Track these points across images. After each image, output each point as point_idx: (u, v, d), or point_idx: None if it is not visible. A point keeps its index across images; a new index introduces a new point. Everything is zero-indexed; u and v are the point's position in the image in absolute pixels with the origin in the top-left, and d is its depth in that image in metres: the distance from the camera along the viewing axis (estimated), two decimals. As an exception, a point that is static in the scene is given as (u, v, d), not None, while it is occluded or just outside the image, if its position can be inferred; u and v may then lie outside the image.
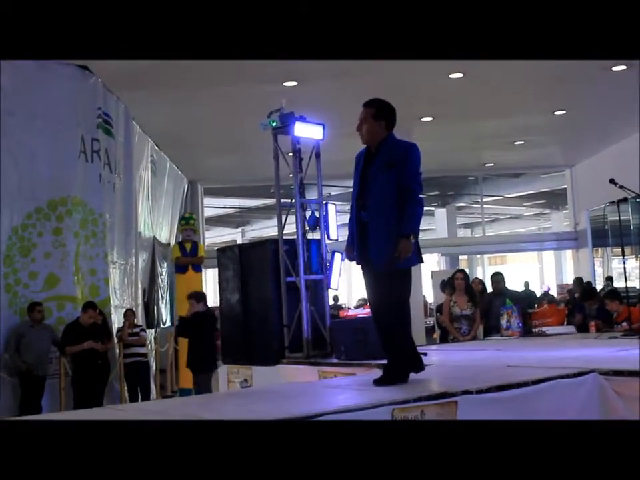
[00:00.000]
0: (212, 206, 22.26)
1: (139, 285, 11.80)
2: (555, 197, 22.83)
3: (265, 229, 27.62)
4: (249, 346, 7.25)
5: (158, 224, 14.33)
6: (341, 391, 4.62)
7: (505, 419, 3.96)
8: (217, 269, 7.93)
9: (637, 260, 17.07)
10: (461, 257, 23.45)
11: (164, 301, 14.57)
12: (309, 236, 7.12)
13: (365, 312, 6.60)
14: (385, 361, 5.60)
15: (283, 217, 7.24)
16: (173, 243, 15.30)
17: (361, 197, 4.64)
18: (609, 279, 16.59)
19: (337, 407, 3.72)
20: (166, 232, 15.16)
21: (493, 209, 25.32)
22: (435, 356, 6.39)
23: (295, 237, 7.03)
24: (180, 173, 16.19)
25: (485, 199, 21.03)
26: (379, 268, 4.51)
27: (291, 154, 7.20)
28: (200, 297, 8.87)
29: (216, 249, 8.40)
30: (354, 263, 4.84)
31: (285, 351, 6.95)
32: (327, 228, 7.03)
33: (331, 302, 8.24)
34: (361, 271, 4.78)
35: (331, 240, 7.12)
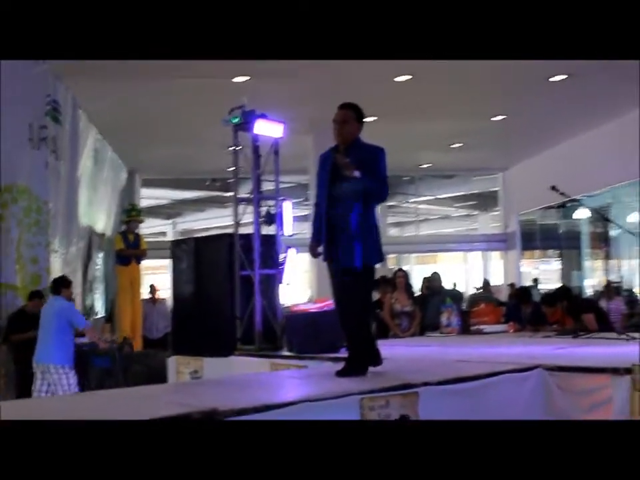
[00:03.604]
0: (146, 197, 22.13)
1: (79, 275, 11.76)
2: (484, 199, 23.43)
3: (197, 222, 27.58)
4: (200, 337, 7.39)
5: (95, 213, 14.24)
6: (306, 382, 4.84)
7: (464, 419, 4.21)
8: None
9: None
10: (390, 255, 23.87)
11: (98, 292, 14.49)
12: (264, 231, 7.31)
13: (316, 306, 6.81)
14: (336, 354, 5.86)
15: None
16: (109, 233, 15.22)
17: (330, 197, 4.86)
18: (535, 281, 17.24)
19: (309, 395, 3.93)
20: (102, 221, 15.06)
21: (423, 209, 25.85)
22: (383, 351, 6.64)
23: (248, 231, 7.23)
24: (120, 162, 16.12)
25: (417, 199, 21.53)
26: (346, 262, 4.74)
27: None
28: None
29: (170, 240, 8.50)
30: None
31: (236, 343, 7.13)
32: (281, 224, 7.23)
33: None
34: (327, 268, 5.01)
35: (286, 236, 7.32)
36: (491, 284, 17.22)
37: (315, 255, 5.07)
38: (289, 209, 7.25)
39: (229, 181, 19.44)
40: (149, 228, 29.18)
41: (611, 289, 11.46)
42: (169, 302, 13.07)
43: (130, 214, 12.94)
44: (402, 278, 9.36)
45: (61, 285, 8.45)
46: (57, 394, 7.69)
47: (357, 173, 4.66)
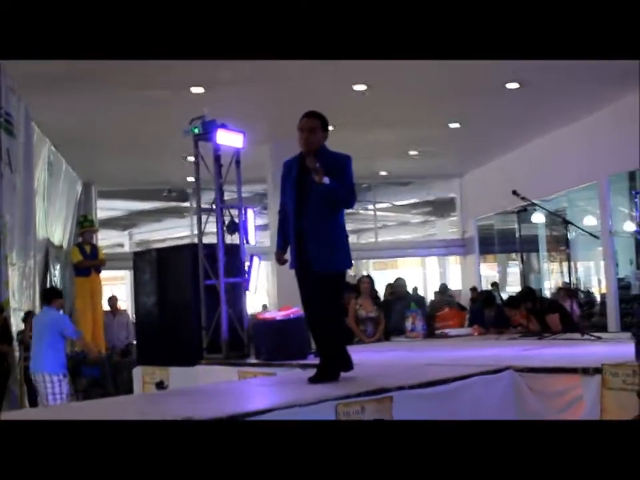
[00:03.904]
0: (103, 208, 21.85)
1: (37, 287, 11.56)
2: (441, 205, 23.58)
3: (154, 232, 27.34)
4: (166, 347, 7.31)
5: (52, 225, 14.05)
6: (279, 389, 4.79)
7: (439, 418, 4.22)
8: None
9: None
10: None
11: (56, 305, 14.25)
12: (227, 240, 7.26)
13: (282, 314, 6.77)
14: (304, 361, 5.82)
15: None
16: (66, 245, 15.02)
17: (298, 204, 4.82)
18: (495, 285, 17.39)
19: (284, 402, 3.89)
20: (59, 233, 14.86)
21: (381, 216, 25.95)
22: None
23: (209, 241, 7.19)
24: (75, 174, 15.92)
25: (375, 206, 21.59)
26: (318, 269, 4.71)
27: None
28: None
29: (133, 251, 8.41)
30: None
31: (203, 352, 7.06)
32: (245, 233, 7.19)
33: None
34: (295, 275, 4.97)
35: (249, 244, 7.29)
36: (449, 288, 17.37)
37: (281, 262, 5.03)
38: (252, 218, 7.22)
39: (187, 191, 19.38)
40: (106, 239, 28.89)
41: (567, 291, 11.55)
42: (129, 313, 12.97)
43: (83, 225, 12.76)
44: (367, 284, 9.39)
45: (53, 294, 8.39)
46: (49, 402, 7.61)
47: (326, 179, 4.65)
